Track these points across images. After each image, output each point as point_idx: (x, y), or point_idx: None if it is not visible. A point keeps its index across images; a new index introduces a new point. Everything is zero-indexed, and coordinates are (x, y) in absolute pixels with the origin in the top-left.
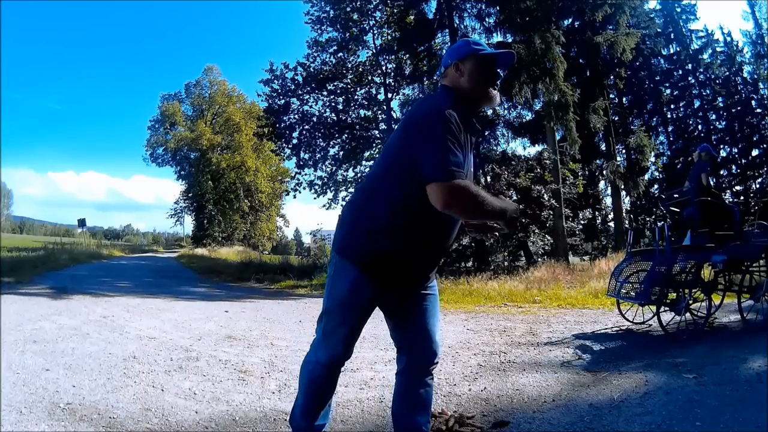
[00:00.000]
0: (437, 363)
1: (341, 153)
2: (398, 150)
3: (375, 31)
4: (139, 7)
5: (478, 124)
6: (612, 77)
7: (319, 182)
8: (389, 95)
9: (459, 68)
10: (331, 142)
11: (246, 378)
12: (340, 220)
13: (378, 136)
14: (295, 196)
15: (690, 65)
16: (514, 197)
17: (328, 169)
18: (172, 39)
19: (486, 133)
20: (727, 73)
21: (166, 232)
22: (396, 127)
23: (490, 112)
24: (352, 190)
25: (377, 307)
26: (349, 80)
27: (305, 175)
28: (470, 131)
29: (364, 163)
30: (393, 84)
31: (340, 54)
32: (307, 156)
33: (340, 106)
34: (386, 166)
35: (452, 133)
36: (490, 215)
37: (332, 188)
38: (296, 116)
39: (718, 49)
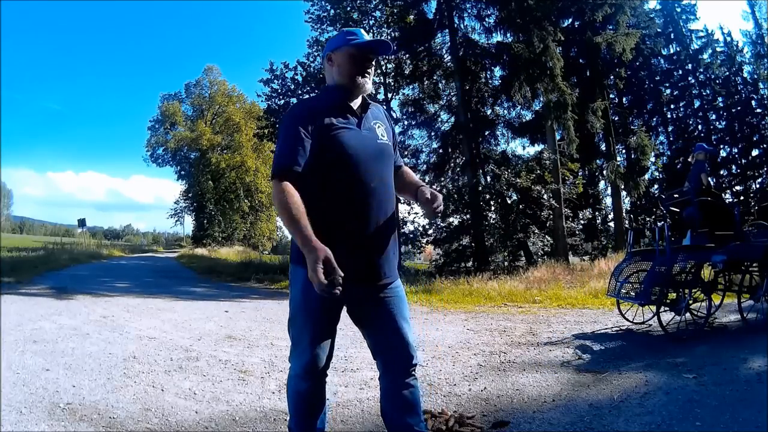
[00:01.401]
0: (416, 364)
1: None
2: None
3: (375, 31)
4: (139, 7)
5: (366, 105)
6: (612, 77)
7: None
8: (389, 95)
9: (331, 59)
10: None
11: (246, 378)
12: None
13: None
14: None
15: (690, 65)
16: (514, 197)
17: None
18: (172, 39)
19: (486, 133)
20: (727, 73)
21: (166, 232)
22: (402, 127)
23: (489, 111)
24: None
25: (347, 314)
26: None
27: None
28: (352, 114)
29: None
30: (393, 84)
31: None
32: None
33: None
34: None
35: (292, 127)
36: (291, 230)
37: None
38: None
39: (718, 49)
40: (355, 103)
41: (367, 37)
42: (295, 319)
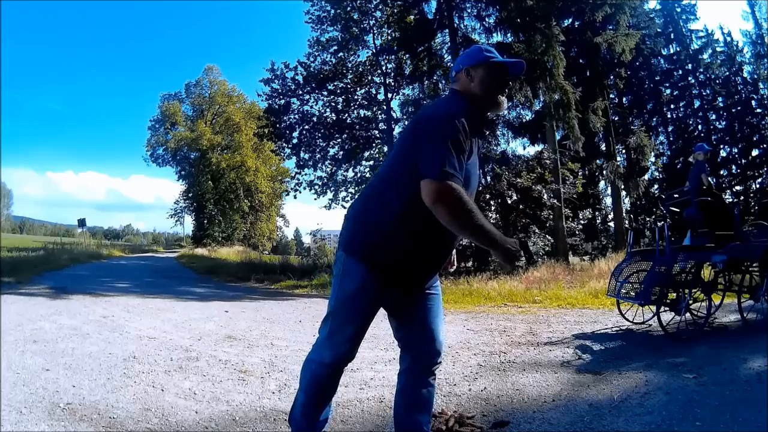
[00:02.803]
0: (440, 363)
1: (341, 153)
2: (406, 149)
3: (375, 31)
4: (139, 7)
5: (485, 128)
6: (612, 77)
7: (319, 182)
8: (389, 95)
9: (470, 74)
10: (331, 142)
11: (246, 378)
12: (347, 218)
13: (378, 136)
14: (295, 197)
15: (690, 65)
16: (515, 197)
17: (327, 169)
18: (172, 39)
19: (486, 133)
20: (727, 73)
21: (166, 232)
22: (402, 127)
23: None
24: (352, 190)
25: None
26: (349, 80)
27: (305, 175)
28: (478, 135)
29: (364, 163)
30: (393, 84)
31: (341, 54)
32: (307, 156)
33: (340, 106)
34: (395, 166)
35: (455, 137)
36: (476, 232)
37: (332, 188)
38: (296, 116)
39: (718, 49)
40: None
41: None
42: (340, 311)
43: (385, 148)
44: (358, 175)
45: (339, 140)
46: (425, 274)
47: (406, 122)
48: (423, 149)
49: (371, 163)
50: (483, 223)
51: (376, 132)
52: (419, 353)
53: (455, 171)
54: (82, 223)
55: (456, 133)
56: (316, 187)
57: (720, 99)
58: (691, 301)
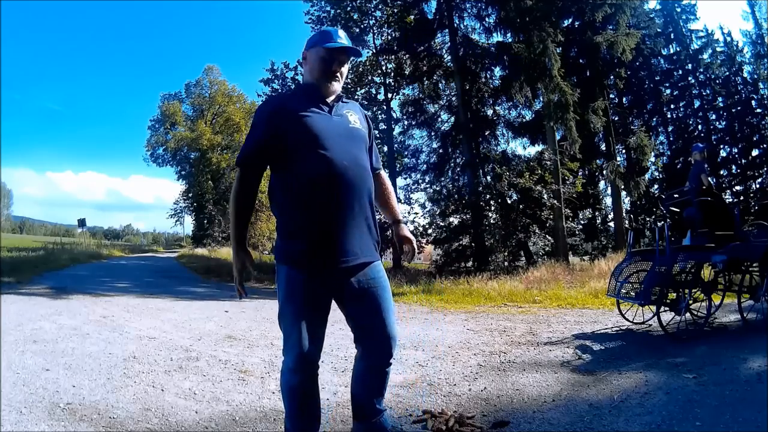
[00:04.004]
0: (393, 359)
1: None
2: None
3: (375, 31)
4: (139, 7)
5: (339, 97)
6: (612, 77)
7: None
8: (389, 95)
9: (306, 59)
10: None
11: (246, 378)
12: None
13: (378, 135)
14: None
15: (690, 65)
16: (515, 197)
17: None
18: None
19: (486, 133)
20: (727, 73)
21: (166, 232)
22: (402, 127)
23: (489, 111)
24: None
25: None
26: (349, 80)
27: None
28: (322, 103)
29: None
30: (393, 84)
31: None
32: None
33: None
34: None
35: (254, 126)
36: (231, 219)
37: None
38: None
39: (718, 49)
40: (328, 98)
41: (342, 38)
42: (283, 315)
43: (385, 148)
44: None
45: None
46: (332, 243)
47: (406, 122)
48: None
49: None
50: (237, 216)
51: (376, 132)
52: (371, 347)
53: (246, 156)
54: (82, 223)
55: (255, 120)
56: None
57: (720, 99)
58: (691, 301)
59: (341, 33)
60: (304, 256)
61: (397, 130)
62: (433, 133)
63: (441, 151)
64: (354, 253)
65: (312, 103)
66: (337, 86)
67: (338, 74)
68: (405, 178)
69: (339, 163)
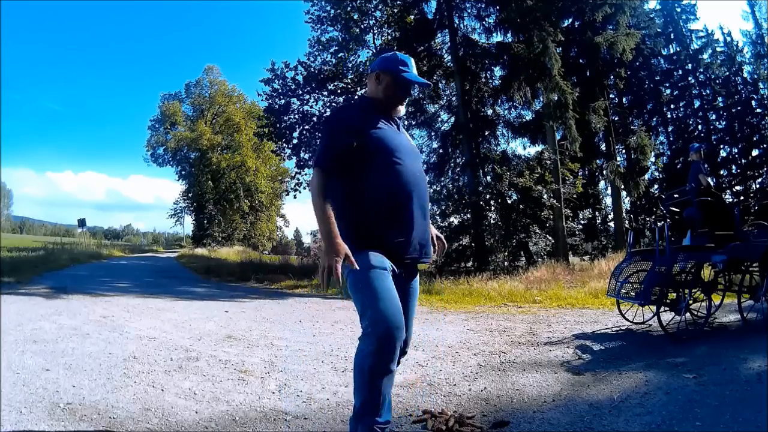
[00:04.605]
0: (404, 355)
1: None
2: None
3: (375, 31)
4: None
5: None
6: (612, 77)
7: None
8: None
9: (379, 78)
10: None
11: (246, 378)
12: None
13: None
14: (295, 196)
15: (690, 65)
16: (515, 197)
17: None
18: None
19: (486, 133)
20: (727, 73)
21: (166, 232)
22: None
23: (489, 111)
24: None
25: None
26: (349, 80)
27: (305, 175)
28: (390, 120)
29: None
30: None
31: (341, 54)
32: (307, 156)
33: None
34: None
35: (333, 131)
36: (318, 219)
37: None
38: (296, 116)
39: (718, 49)
40: (394, 116)
41: (415, 70)
42: (369, 293)
43: None
44: None
45: None
46: (411, 240)
47: (407, 122)
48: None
49: None
50: (320, 218)
51: None
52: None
53: (326, 158)
54: (82, 223)
55: (331, 126)
56: None
57: (720, 99)
58: (691, 301)
59: (412, 62)
60: (382, 245)
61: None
62: (433, 133)
63: (441, 151)
64: (425, 252)
65: (383, 118)
66: (402, 109)
67: (405, 101)
68: None
69: (412, 175)
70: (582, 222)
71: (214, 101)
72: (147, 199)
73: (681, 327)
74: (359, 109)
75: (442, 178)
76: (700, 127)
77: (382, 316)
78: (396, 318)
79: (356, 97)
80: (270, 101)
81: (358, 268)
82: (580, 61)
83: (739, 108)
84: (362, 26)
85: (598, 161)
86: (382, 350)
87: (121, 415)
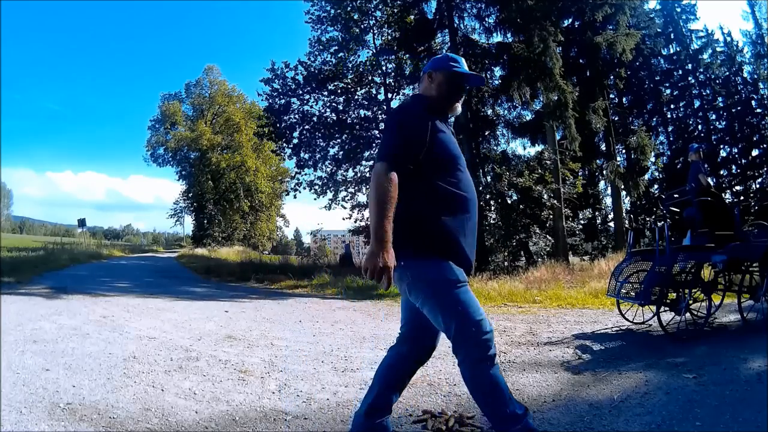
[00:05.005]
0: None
1: (341, 153)
2: None
3: (375, 31)
4: (139, 7)
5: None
6: (612, 77)
7: (319, 182)
8: (389, 95)
9: (431, 77)
10: (331, 142)
11: (246, 378)
12: None
13: (378, 135)
14: (295, 196)
15: (690, 65)
16: (515, 197)
17: (328, 170)
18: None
19: (486, 133)
20: (727, 73)
21: (166, 232)
22: None
23: (489, 111)
24: (351, 190)
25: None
26: (349, 80)
27: (305, 175)
28: (447, 123)
29: (364, 163)
30: (393, 84)
31: (341, 54)
32: (307, 156)
33: (341, 107)
34: None
35: (406, 131)
36: (376, 216)
37: (332, 188)
38: (297, 116)
39: (718, 49)
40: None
41: (466, 68)
42: (457, 307)
43: None
44: (359, 175)
45: (339, 140)
46: (473, 252)
47: None
48: (382, 139)
49: (371, 163)
50: (378, 213)
51: (377, 132)
52: (429, 349)
53: (398, 154)
54: (82, 223)
55: (404, 121)
56: (316, 187)
57: (720, 99)
58: (691, 301)
59: (463, 60)
60: (459, 255)
61: None
62: None
63: None
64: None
65: (442, 120)
66: (459, 108)
67: (462, 98)
68: None
69: (471, 184)
70: (582, 222)
71: (214, 101)
72: (147, 199)
73: (681, 327)
74: (423, 108)
75: None
76: (700, 127)
77: (482, 326)
78: (489, 325)
79: (409, 96)
80: (270, 101)
81: (436, 277)
82: (580, 61)
83: (739, 108)
84: (362, 26)
85: (598, 161)
86: (489, 354)
87: (121, 415)
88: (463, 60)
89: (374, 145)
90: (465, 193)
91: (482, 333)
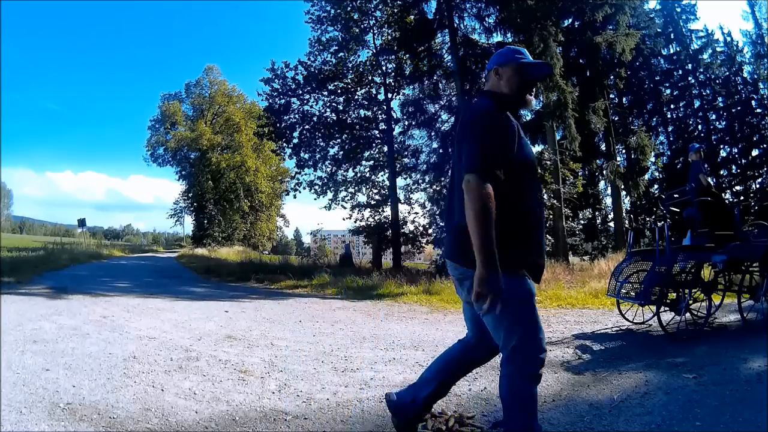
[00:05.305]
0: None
1: (341, 153)
2: (455, 155)
3: (375, 31)
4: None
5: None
6: (612, 77)
7: (319, 182)
8: (389, 95)
9: (498, 73)
10: (331, 142)
11: (246, 378)
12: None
13: (378, 135)
14: (295, 196)
15: (690, 65)
16: None
17: (328, 170)
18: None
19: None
20: (727, 73)
21: (166, 232)
22: (402, 127)
23: None
24: (351, 190)
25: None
26: (349, 80)
27: (305, 175)
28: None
29: (364, 163)
30: (393, 84)
31: (341, 54)
32: (307, 156)
33: (341, 106)
34: (458, 171)
35: (491, 133)
36: (476, 235)
37: (332, 188)
38: (296, 116)
39: (718, 49)
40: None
41: (531, 57)
42: (523, 320)
43: (385, 148)
44: (358, 175)
45: (339, 140)
46: (543, 261)
47: (407, 122)
48: (464, 148)
49: (371, 163)
50: (481, 231)
51: (376, 132)
52: (487, 349)
53: (488, 163)
54: (82, 223)
55: (488, 126)
56: (316, 187)
57: (720, 99)
58: (691, 301)
59: (527, 51)
60: (535, 268)
61: (397, 130)
62: (433, 133)
63: (441, 151)
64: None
65: (517, 121)
66: (533, 100)
67: (534, 89)
68: (405, 178)
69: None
70: (582, 222)
71: (214, 101)
72: (147, 199)
73: (681, 327)
74: (500, 107)
75: (442, 178)
76: (700, 127)
77: (542, 345)
78: (545, 345)
79: (475, 95)
80: (270, 101)
81: (510, 291)
82: (580, 61)
83: (739, 108)
84: (362, 26)
85: (598, 161)
86: (539, 373)
87: (121, 415)
88: (526, 50)
89: (374, 144)
90: (539, 203)
91: (540, 351)
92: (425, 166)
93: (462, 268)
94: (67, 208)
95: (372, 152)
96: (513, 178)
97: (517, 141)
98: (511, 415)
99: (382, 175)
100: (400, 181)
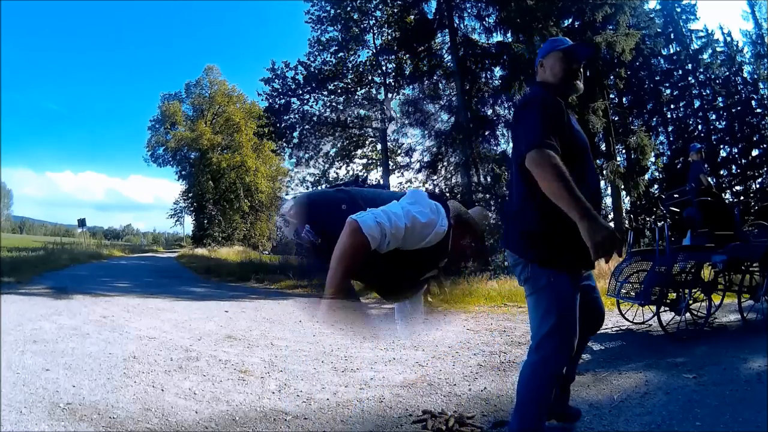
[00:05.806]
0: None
1: (333, 150)
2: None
3: (375, 31)
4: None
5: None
6: (612, 77)
7: (311, 179)
8: (389, 95)
9: (543, 65)
10: (323, 140)
11: (246, 378)
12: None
13: (372, 134)
14: (287, 194)
15: (690, 65)
16: None
17: (321, 167)
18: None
19: (485, 133)
20: (727, 73)
21: (166, 232)
22: (398, 126)
23: (489, 111)
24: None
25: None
26: (349, 80)
27: (297, 172)
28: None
29: (356, 161)
30: (393, 84)
31: (341, 54)
32: (307, 156)
33: (341, 106)
34: (518, 167)
35: (544, 112)
36: (562, 198)
37: (325, 186)
38: (296, 116)
39: (718, 49)
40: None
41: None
42: (562, 318)
43: (378, 146)
44: (351, 173)
45: (331, 138)
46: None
47: (406, 121)
48: (521, 131)
49: (364, 161)
50: (570, 196)
51: (370, 130)
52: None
53: (550, 137)
54: (82, 223)
55: (543, 108)
56: (308, 184)
57: (720, 99)
58: (691, 301)
59: (567, 39)
60: (574, 263)
61: (391, 128)
62: (427, 132)
63: (435, 149)
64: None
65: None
66: (582, 85)
67: (580, 72)
68: (398, 176)
69: (596, 178)
70: None
71: (214, 101)
72: (147, 199)
73: (681, 327)
74: (550, 93)
75: (434, 177)
76: (700, 127)
77: (571, 345)
78: (573, 348)
79: (523, 90)
80: (270, 101)
81: (557, 289)
82: None
83: (739, 108)
84: (362, 26)
85: (598, 161)
86: (560, 372)
87: (121, 415)
88: (566, 38)
89: (368, 143)
90: (594, 189)
91: (569, 347)
92: (418, 164)
93: (515, 256)
94: (67, 208)
95: (365, 150)
96: (568, 161)
97: (570, 123)
98: (522, 411)
99: (375, 174)
100: (393, 179)
